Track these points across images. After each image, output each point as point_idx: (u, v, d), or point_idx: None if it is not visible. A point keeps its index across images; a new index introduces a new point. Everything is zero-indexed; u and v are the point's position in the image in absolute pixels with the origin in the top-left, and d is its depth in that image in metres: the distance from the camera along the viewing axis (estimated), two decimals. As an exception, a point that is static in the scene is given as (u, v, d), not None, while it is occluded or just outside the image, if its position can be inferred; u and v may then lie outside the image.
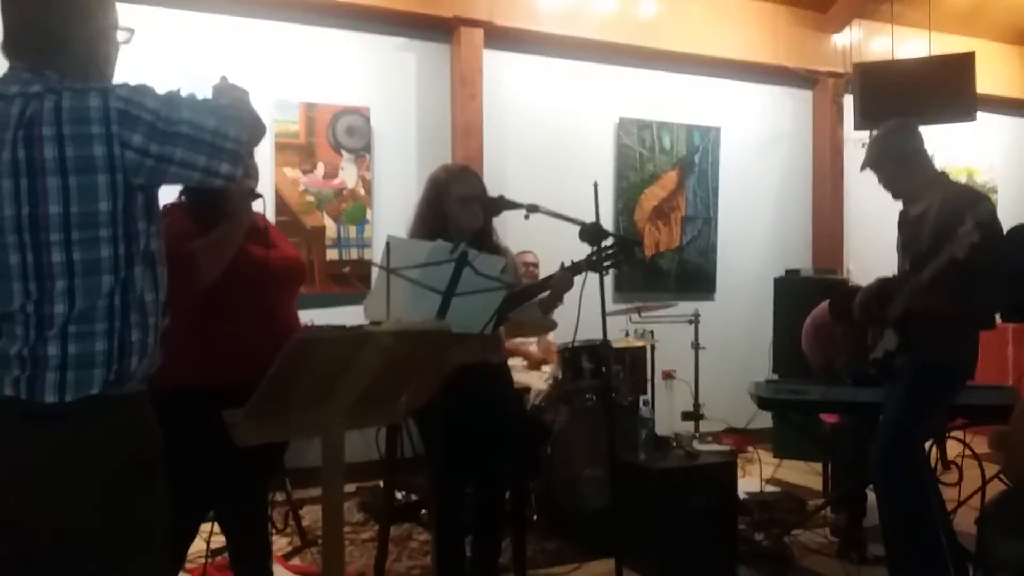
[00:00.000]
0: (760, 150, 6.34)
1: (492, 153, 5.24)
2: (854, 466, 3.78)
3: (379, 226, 4.99)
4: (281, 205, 4.81)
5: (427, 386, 2.14)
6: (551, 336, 4.62)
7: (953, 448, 3.82)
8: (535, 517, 3.83)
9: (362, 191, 5.05)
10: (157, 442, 1.62)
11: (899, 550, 2.96)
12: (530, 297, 2.76)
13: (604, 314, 2.61)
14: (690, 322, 5.26)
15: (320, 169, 4.94)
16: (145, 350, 1.57)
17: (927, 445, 3.29)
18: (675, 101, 5.98)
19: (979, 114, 5.89)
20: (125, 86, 1.51)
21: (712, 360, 5.48)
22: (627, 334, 4.92)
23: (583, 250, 2.65)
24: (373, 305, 2.46)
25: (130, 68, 1.64)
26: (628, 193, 5.83)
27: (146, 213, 1.56)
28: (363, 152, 5.05)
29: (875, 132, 3.22)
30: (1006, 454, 2.93)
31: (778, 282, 5.73)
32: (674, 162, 5.97)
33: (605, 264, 2.62)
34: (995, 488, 3.27)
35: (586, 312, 2.59)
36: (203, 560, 3.24)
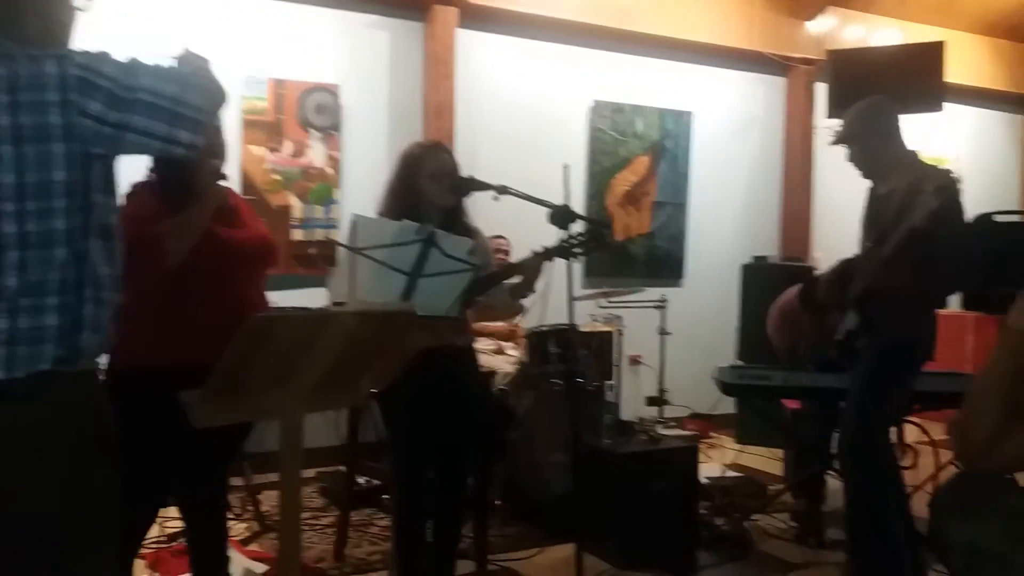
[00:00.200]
0: (732, 136, 6.36)
1: (464, 134, 5.20)
2: (814, 451, 3.83)
3: (346, 206, 4.93)
4: (247, 184, 4.72)
5: (390, 369, 2.12)
6: (517, 319, 4.61)
7: (910, 434, 3.87)
8: (497, 502, 3.82)
9: (330, 170, 4.98)
10: (108, 419, 1.58)
11: (860, 535, 2.98)
12: (499, 282, 2.73)
13: (571, 299, 2.60)
14: (657, 307, 5.28)
15: (287, 147, 4.87)
16: (98, 326, 1.53)
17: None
18: (649, 85, 5.97)
19: (948, 104, 5.95)
20: (83, 53, 1.48)
21: (678, 346, 5.50)
22: (594, 319, 4.92)
23: (552, 233, 2.63)
24: (337, 285, 2.44)
25: (94, 41, 1.59)
26: (600, 177, 5.81)
27: (104, 185, 1.52)
28: (332, 131, 4.98)
29: (850, 108, 3.17)
30: (955, 438, 2.98)
31: (746, 268, 5.75)
32: (646, 146, 5.97)
33: (577, 251, 2.60)
34: (950, 473, 3.33)
35: (554, 297, 2.58)
36: (158, 545, 3.22)
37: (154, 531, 2.44)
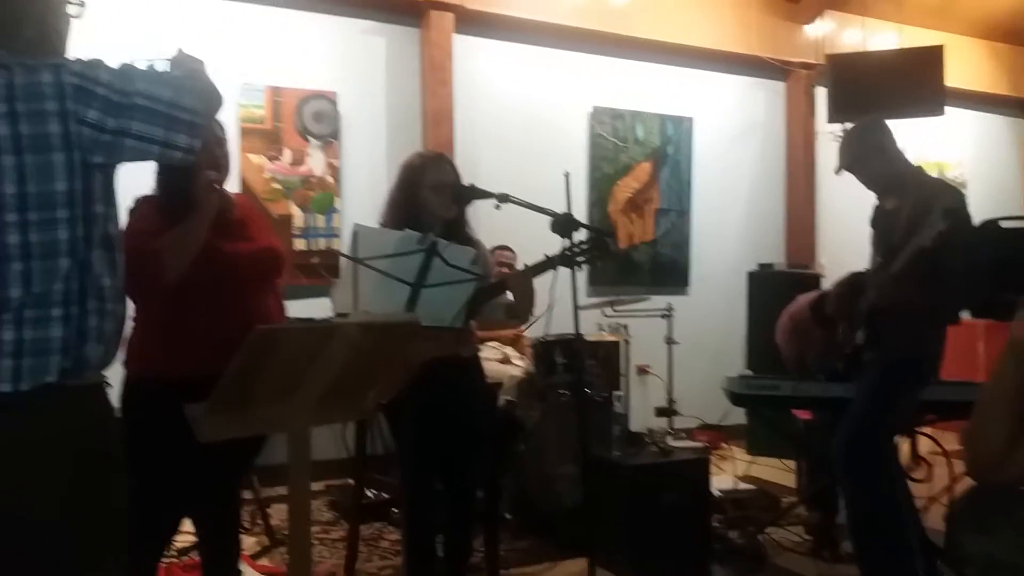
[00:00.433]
0: (733, 142, 6.32)
1: (463, 141, 5.15)
2: (827, 463, 3.77)
3: (347, 215, 4.87)
4: (247, 193, 4.66)
5: (395, 380, 2.08)
6: (523, 326, 4.55)
7: (923, 444, 3.81)
8: (507, 515, 3.76)
9: (330, 179, 4.93)
10: (115, 434, 1.58)
11: (864, 546, 2.93)
12: (491, 296, 2.66)
13: (577, 308, 2.54)
14: (664, 316, 5.22)
15: (287, 156, 4.81)
16: (103, 337, 1.52)
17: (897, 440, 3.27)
18: (648, 91, 5.94)
19: (949, 109, 5.92)
20: (78, 61, 1.47)
21: (686, 355, 5.44)
22: (600, 328, 4.86)
23: (554, 242, 2.57)
24: (340, 296, 2.40)
25: (90, 48, 1.58)
26: (601, 184, 5.77)
27: (104, 195, 1.51)
28: (331, 138, 4.93)
29: (844, 134, 3.18)
30: (967, 449, 2.93)
31: (751, 276, 5.71)
32: (647, 153, 5.93)
33: (578, 260, 2.54)
34: (964, 485, 3.27)
35: (559, 306, 2.52)
36: (168, 559, 3.17)
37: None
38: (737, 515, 3.82)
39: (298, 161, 4.84)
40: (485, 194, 2.58)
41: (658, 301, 5.22)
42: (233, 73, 4.48)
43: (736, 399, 3.71)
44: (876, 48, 6.21)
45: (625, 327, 4.90)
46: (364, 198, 4.84)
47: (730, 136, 6.30)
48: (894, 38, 6.30)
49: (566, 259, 2.53)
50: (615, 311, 4.87)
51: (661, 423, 5.26)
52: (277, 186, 4.78)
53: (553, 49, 5.59)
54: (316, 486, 3.85)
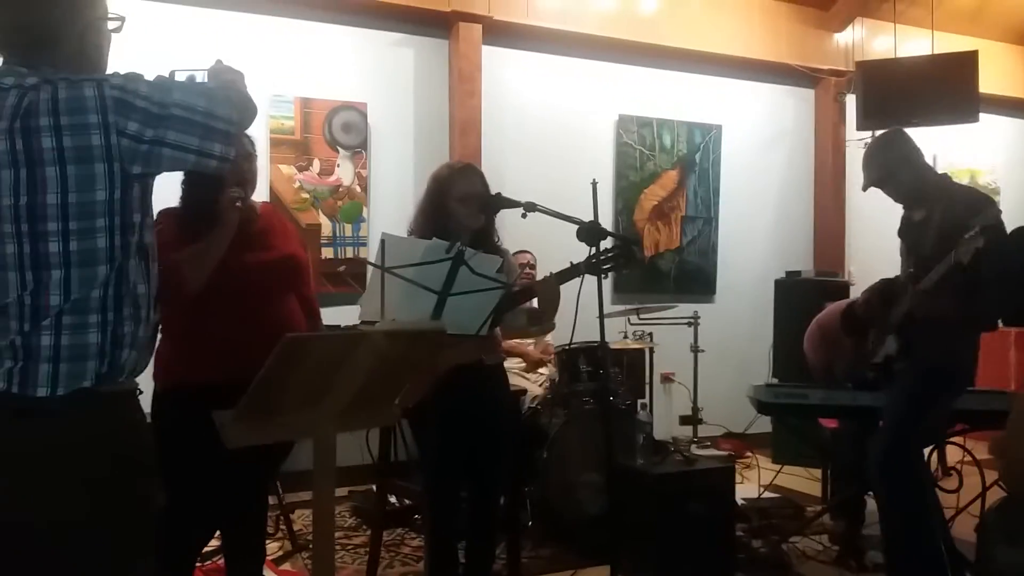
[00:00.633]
0: (761, 149, 6.29)
1: (491, 150, 5.19)
2: (853, 472, 3.74)
3: (375, 224, 4.93)
4: (276, 202, 4.73)
5: (421, 386, 2.10)
6: (548, 337, 4.56)
7: (953, 454, 3.77)
8: (530, 522, 3.77)
9: (358, 189, 4.99)
10: (147, 440, 1.61)
11: (898, 555, 2.94)
12: (517, 303, 2.68)
13: (602, 315, 2.56)
14: (689, 324, 5.21)
15: (316, 166, 4.88)
16: (136, 343, 1.56)
17: (926, 451, 3.25)
18: (675, 99, 5.93)
19: (982, 115, 5.85)
20: (117, 75, 1.52)
21: (711, 363, 5.42)
22: (625, 336, 4.86)
23: (581, 250, 2.58)
24: (368, 304, 2.42)
25: (124, 64, 1.63)
26: (628, 192, 5.77)
27: (141, 205, 1.56)
28: (360, 149, 4.99)
29: (867, 149, 3.16)
30: (1003, 460, 2.89)
31: (779, 284, 5.67)
32: (674, 161, 5.92)
33: (604, 267, 2.55)
34: (995, 495, 3.23)
35: (584, 313, 2.53)
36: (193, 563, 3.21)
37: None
38: (761, 524, 3.80)
39: (327, 171, 4.91)
40: (512, 203, 2.60)
41: (684, 309, 5.22)
42: (263, 84, 4.56)
43: (763, 407, 3.70)
44: (908, 55, 6.16)
45: (650, 335, 4.89)
46: (392, 208, 4.90)
47: (758, 144, 6.27)
48: (926, 44, 6.24)
49: (592, 266, 2.55)
50: (640, 319, 4.87)
51: (686, 431, 5.26)
52: (306, 196, 4.85)
53: (580, 59, 5.61)
54: (339, 492, 3.85)
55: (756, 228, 6.25)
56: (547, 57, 5.53)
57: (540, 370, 4.53)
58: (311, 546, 3.03)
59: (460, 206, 2.66)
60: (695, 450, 3.66)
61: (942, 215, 2.89)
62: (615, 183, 5.72)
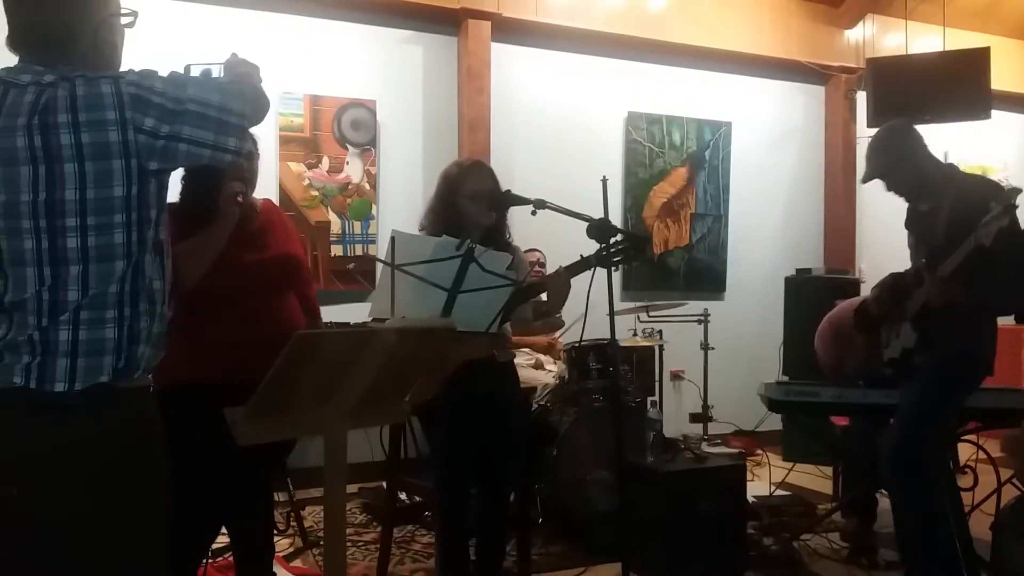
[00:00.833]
0: (772, 146, 6.27)
1: (500, 148, 5.18)
2: (864, 469, 3.72)
3: (384, 222, 4.93)
4: (285, 200, 4.75)
5: (431, 384, 2.10)
6: (557, 333, 4.56)
7: (967, 451, 3.75)
8: (540, 520, 3.77)
9: (367, 186, 4.99)
10: (160, 434, 1.63)
11: (913, 552, 2.90)
12: (526, 298, 2.67)
13: (612, 313, 2.55)
14: (699, 321, 5.20)
15: (325, 163, 4.89)
16: (152, 338, 1.58)
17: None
18: (685, 95, 5.91)
19: (993, 112, 5.80)
20: (132, 72, 1.54)
21: (721, 360, 5.41)
22: (635, 333, 4.85)
23: (590, 247, 2.58)
24: (378, 302, 2.42)
25: (134, 61, 1.65)
26: (637, 189, 5.76)
27: (157, 200, 1.57)
28: (369, 146, 4.99)
29: (872, 140, 3.13)
30: (1017, 458, 2.87)
31: (789, 281, 5.65)
32: (684, 158, 5.90)
33: (614, 259, 2.55)
34: (1009, 493, 3.21)
35: (594, 311, 2.53)
36: (204, 560, 3.23)
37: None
38: (772, 522, 3.79)
39: (336, 168, 4.91)
40: (522, 200, 2.60)
41: (694, 306, 5.20)
42: (273, 82, 4.47)
43: (774, 405, 3.68)
44: (919, 51, 6.12)
45: (660, 332, 4.88)
46: (401, 205, 4.91)
47: (769, 141, 6.25)
48: (937, 41, 6.20)
49: (602, 259, 2.54)
50: (650, 316, 4.87)
51: (696, 429, 5.25)
52: (315, 193, 4.86)
53: (589, 56, 5.60)
54: (349, 488, 3.88)
55: (766, 225, 6.23)
56: (556, 54, 5.52)
57: (548, 366, 4.52)
58: (322, 543, 3.04)
59: (470, 203, 2.66)
60: (705, 448, 3.65)
61: (952, 203, 2.84)
62: (624, 180, 5.71)
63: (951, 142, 6.36)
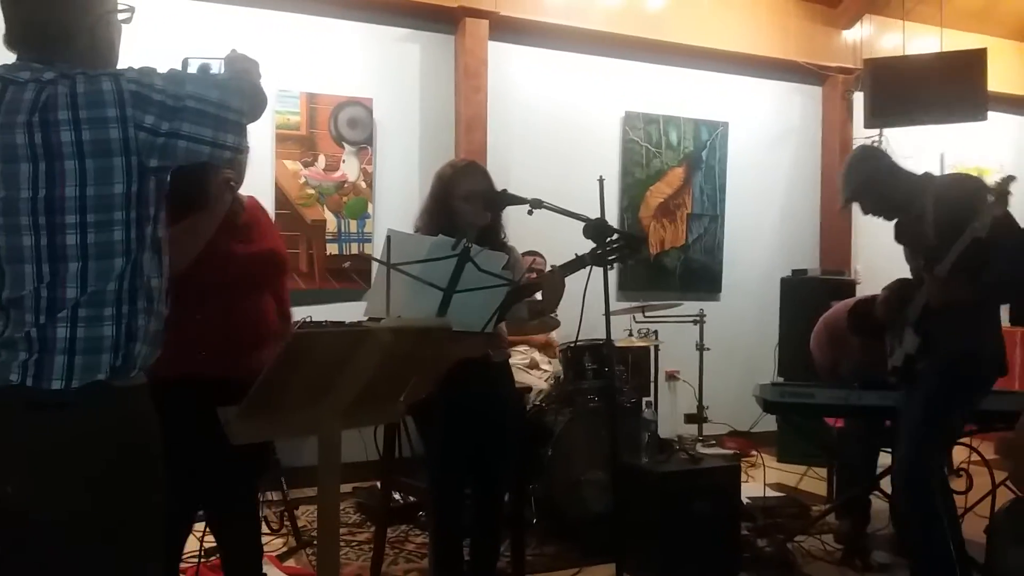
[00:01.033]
0: (768, 147, 6.27)
1: (496, 147, 5.17)
2: (859, 471, 3.73)
3: (380, 220, 4.92)
4: (281, 198, 4.74)
5: (426, 383, 2.09)
6: (552, 332, 4.56)
7: (961, 454, 3.75)
8: (535, 520, 3.77)
9: (363, 184, 4.98)
10: (157, 432, 1.62)
11: (920, 558, 2.90)
12: (521, 297, 2.67)
13: (608, 313, 2.55)
14: (695, 322, 5.20)
15: (321, 161, 4.88)
16: (149, 336, 1.57)
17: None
18: (682, 95, 5.91)
19: (990, 113, 5.82)
20: (132, 69, 1.54)
21: (716, 361, 5.41)
22: (630, 334, 4.85)
23: (587, 247, 2.58)
24: (373, 301, 2.41)
25: (131, 58, 1.64)
26: (633, 189, 5.75)
27: (156, 198, 1.57)
28: (365, 145, 4.98)
29: (843, 169, 3.14)
30: (1012, 461, 2.86)
31: (785, 282, 5.66)
32: (681, 158, 5.90)
33: (608, 258, 2.54)
34: (1003, 496, 3.21)
35: (589, 311, 2.52)
36: (196, 559, 3.21)
37: (191, 545, 2.41)
38: (766, 523, 3.79)
39: (332, 167, 4.90)
40: (518, 200, 2.60)
41: (689, 307, 5.21)
42: (269, 80, 4.48)
43: (769, 406, 3.69)
44: (916, 52, 6.13)
45: (655, 333, 4.88)
46: (397, 203, 4.90)
47: (766, 141, 6.25)
48: (935, 42, 6.21)
49: (598, 258, 2.54)
50: (646, 316, 4.87)
51: (691, 430, 5.25)
52: (311, 191, 4.85)
53: (587, 55, 5.59)
54: (343, 488, 3.88)
55: (762, 226, 6.23)
56: (553, 53, 5.51)
57: (544, 365, 4.52)
58: (315, 542, 3.03)
59: (464, 204, 2.65)
60: (700, 448, 3.64)
61: (935, 204, 2.83)
62: (621, 180, 5.71)
63: (947, 143, 6.39)
